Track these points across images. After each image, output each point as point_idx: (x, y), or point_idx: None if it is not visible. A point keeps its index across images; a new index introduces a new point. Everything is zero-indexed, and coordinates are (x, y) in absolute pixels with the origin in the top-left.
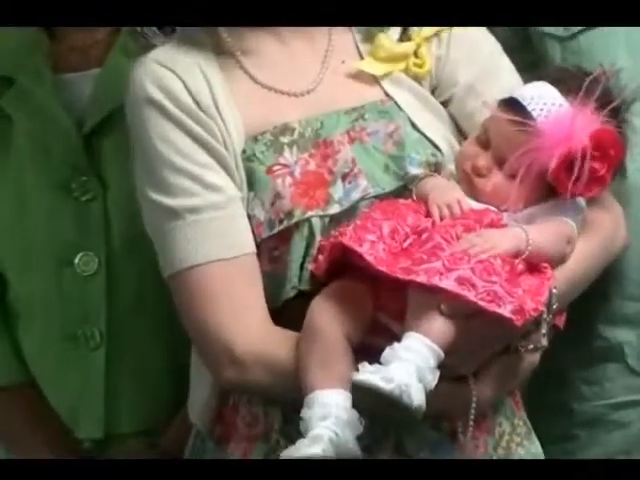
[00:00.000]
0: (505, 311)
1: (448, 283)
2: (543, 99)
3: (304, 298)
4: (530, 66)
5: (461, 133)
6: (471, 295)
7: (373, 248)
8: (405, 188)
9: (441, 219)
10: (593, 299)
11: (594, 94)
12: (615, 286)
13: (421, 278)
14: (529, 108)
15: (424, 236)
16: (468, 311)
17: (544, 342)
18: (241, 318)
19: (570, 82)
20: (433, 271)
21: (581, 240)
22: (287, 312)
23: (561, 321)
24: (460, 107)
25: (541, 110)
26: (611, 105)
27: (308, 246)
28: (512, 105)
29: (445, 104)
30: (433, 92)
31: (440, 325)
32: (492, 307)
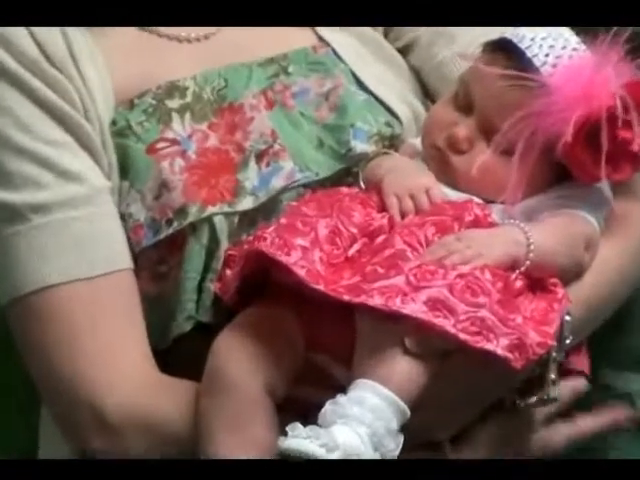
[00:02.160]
0: (498, 347)
1: (415, 308)
2: (549, 40)
3: (204, 333)
4: None
5: (428, 93)
6: (448, 324)
7: (305, 258)
8: (349, 172)
9: (402, 215)
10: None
11: (624, 33)
12: None
13: (376, 301)
14: (529, 53)
15: (379, 240)
16: (444, 348)
17: (553, 393)
18: (113, 364)
19: None
20: (393, 290)
21: (605, 244)
22: (180, 354)
23: (584, 363)
24: (426, 55)
25: (546, 56)
26: None
27: (209, 257)
28: (504, 49)
29: (405, 52)
30: (387, 35)
31: (404, 369)
32: (479, 342)
